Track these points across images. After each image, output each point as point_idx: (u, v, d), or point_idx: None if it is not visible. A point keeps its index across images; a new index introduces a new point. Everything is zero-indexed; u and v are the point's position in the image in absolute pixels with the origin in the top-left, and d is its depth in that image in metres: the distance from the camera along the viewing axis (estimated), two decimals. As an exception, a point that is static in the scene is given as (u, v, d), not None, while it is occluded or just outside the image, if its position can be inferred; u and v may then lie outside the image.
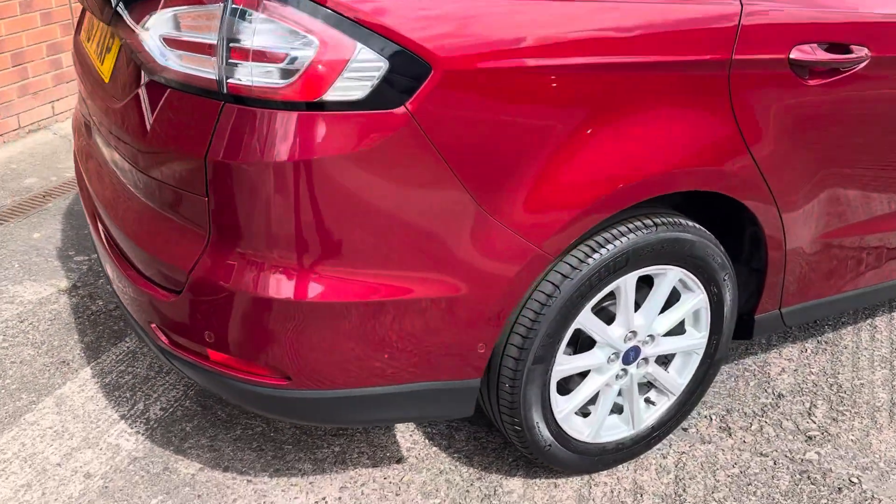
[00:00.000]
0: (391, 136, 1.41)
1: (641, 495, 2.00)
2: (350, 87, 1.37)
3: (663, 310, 1.97)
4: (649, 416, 2.07)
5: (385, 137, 1.41)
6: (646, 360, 1.98)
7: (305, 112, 1.37)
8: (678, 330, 2.04)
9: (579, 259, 1.74)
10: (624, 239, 1.76)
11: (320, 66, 1.35)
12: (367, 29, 1.36)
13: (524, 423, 1.84)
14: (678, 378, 2.08)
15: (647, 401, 2.09)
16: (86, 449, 2.09)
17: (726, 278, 1.96)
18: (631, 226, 1.78)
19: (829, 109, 1.88)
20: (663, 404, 2.09)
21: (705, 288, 1.95)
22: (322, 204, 1.42)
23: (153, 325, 1.67)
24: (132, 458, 2.07)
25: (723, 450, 2.16)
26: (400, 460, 2.10)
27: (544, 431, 1.88)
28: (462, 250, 1.54)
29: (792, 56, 1.75)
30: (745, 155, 1.78)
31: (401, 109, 1.40)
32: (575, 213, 1.61)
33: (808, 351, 2.61)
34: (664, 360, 2.10)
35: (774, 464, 2.12)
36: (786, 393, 2.40)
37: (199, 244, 1.52)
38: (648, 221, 1.80)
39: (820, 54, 1.79)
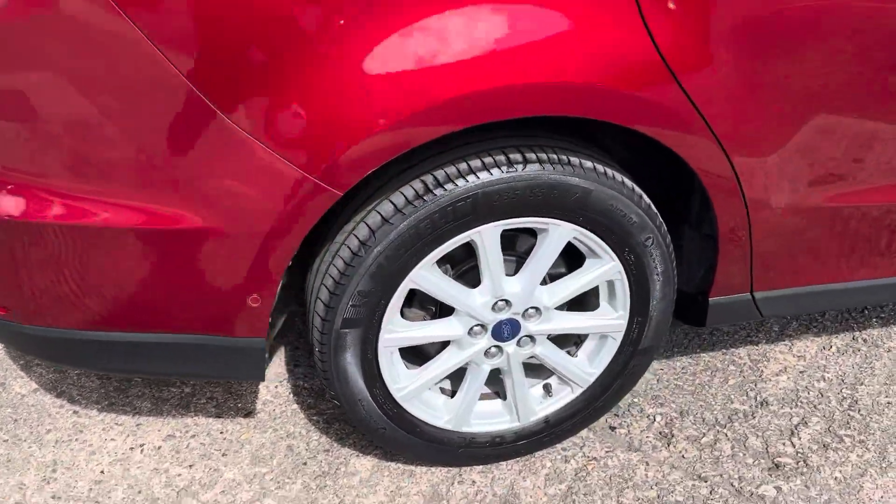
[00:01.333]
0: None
1: (512, 505, 1.57)
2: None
3: (560, 276, 1.49)
4: (543, 408, 1.61)
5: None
6: (531, 337, 1.51)
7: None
8: (590, 303, 1.55)
9: (406, 199, 1.30)
10: (471, 178, 1.29)
11: None
12: None
13: (342, 397, 1.46)
14: (587, 366, 1.59)
15: (547, 389, 1.63)
16: (-60, 351, 1.95)
17: (649, 243, 1.44)
18: (487, 160, 1.30)
19: (822, 8, 1.27)
20: (564, 396, 1.62)
21: (617, 254, 1.44)
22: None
23: None
24: (-22, 367, 1.90)
25: (648, 463, 1.67)
26: (249, 414, 1.79)
27: (374, 411, 1.49)
28: (189, 167, 1.16)
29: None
30: (659, 70, 1.23)
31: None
32: (365, 132, 1.16)
33: (833, 349, 1.99)
34: (576, 341, 1.62)
35: (710, 493, 1.60)
36: (773, 401, 1.83)
37: None
38: (516, 156, 1.31)
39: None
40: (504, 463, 1.66)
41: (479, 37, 1.14)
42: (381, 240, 1.30)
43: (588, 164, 1.35)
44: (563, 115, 1.22)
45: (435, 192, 1.29)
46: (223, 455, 1.68)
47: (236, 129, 1.13)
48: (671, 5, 1.20)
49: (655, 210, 1.44)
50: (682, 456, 1.68)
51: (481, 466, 1.65)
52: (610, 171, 1.37)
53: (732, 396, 1.84)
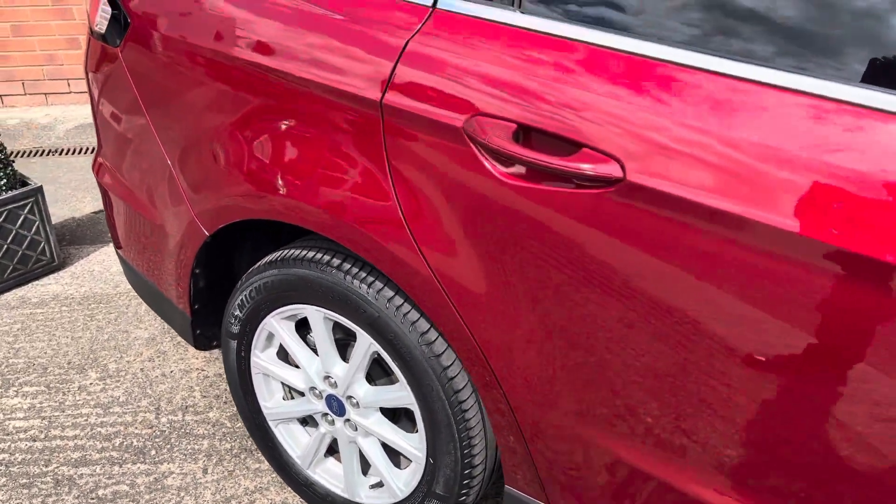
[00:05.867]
0: (112, 68, 1.76)
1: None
2: (101, 23, 1.77)
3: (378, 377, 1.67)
4: (368, 497, 1.78)
5: (110, 67, 1.77)
6: (355, 426, 1.72)
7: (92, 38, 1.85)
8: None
9: (268, 260, 1.69)
10: (285, 264, 1.61)
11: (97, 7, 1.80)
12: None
13: (230, 386, 1.91)
14: (403, 481, 1.70)
15: (380, 482, 1.78)
16: None
17: (430, 390, 1.51)
18: (309, 254, 1.59)
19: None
20: (383, 498, 1.75)
21: (409, 383, 1.55)
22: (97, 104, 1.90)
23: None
24: None
25: None
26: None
27: (246, 412, 1.90)
28: (157, 183, 1.79)
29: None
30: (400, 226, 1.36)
31: (119, 48, 1.73)
32: (217, 199, 1.62)
33: None
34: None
35: None
36: None
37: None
38: (334, 259, 1.57)
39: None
40: (341, 524, 1.87)
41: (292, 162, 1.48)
42: (245, 282, 1.72)
43: (385, 292, 1.50)
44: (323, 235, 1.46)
45: (271, 261, 1.65)
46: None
47: (173, 172, 1.72)
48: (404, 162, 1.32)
49: (447, 363, 1.49)
50: None
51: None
52: (405, 307, 1.50)
53: None
